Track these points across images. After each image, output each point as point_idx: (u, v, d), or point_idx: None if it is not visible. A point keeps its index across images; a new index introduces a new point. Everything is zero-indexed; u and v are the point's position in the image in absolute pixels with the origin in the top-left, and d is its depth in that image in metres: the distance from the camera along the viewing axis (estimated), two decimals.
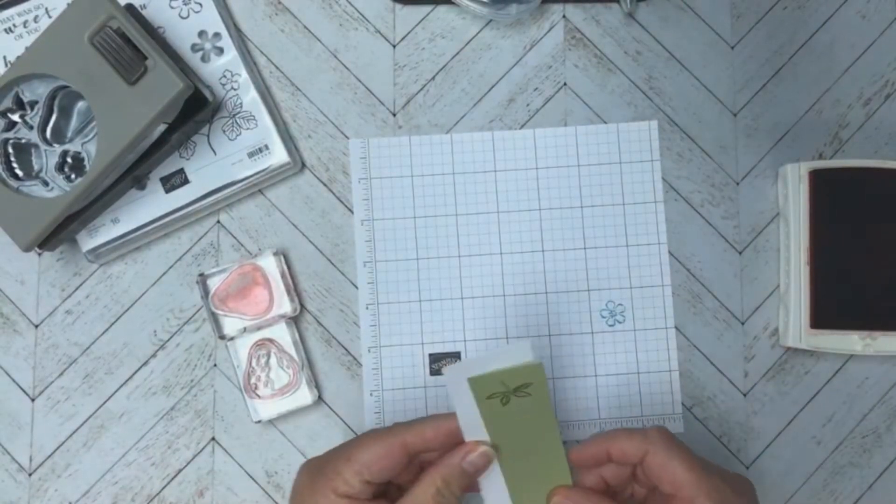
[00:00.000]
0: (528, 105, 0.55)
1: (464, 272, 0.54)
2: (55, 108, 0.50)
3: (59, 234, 0.50)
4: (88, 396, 0.53)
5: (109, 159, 0.48)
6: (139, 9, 0.52)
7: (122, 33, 0.47)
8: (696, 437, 0.53)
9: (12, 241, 0.49)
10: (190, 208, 0.53)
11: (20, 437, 0.53)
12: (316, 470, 0.42)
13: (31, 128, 0.49)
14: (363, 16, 0.56)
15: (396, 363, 0.53)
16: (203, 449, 0.53)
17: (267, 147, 0.53)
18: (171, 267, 0.54)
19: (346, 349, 0.54)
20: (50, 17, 0.53)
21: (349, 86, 0.55)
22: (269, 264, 0.52)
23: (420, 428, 0.42)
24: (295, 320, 0.53)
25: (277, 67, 0.55)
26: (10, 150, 0.50)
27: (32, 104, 0.49)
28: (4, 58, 0.53)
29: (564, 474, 0.43)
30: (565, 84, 0.56)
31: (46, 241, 0.50)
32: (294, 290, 0.53)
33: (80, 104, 0.50)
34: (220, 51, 0.53)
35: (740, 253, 0.55)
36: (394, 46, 0.56)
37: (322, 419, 0.53)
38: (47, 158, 0.50)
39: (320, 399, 0.53)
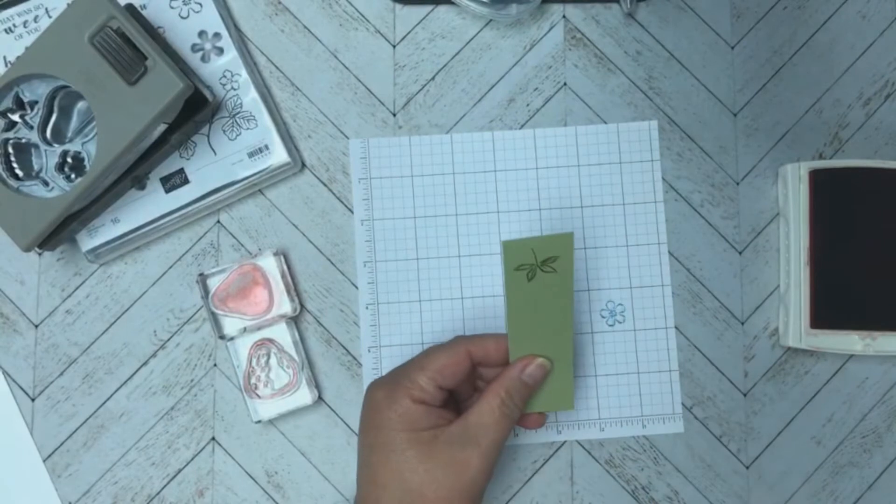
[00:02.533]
0: (528, 105, 0.55)
1: (464, 272, 0.54)
2: (55, 108, 0.50)
3: (59, 234, 0.50)
4: (88, 396, 0.53)
5: (109, 159, 0.48)
6: (139, 9, 0.52)
7: (122, 33, 0.47)
8: (696, 437, 0.53)
9: (12, 241, 0.49)
10: (190, 208, 0.53)
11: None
12: (390, 383, 0.45)
13: (31, 128, 0.49)
14: (363, 16, 0.56)
15: (396, 363, 0.53)
16: (203, 449, 0.53)
17: (267, 147, 0.53)
18: (171, 267, 0.54)
19: (346, 349, 0.54)
20: (50, 17, 0.53)
21: (349, 86, 0.55)
22: (269, 264, 0.52)
23: (482, 341, 0.45)
24: (295, 320, 0.53)
25: (277, 67, 0.55)
26: (10, 150, 0.50)
27: (32, 104, 0.49)
28: (4, 58, 0.53)
29: (567, 347, 0.45)
30: (565, 84, 0.56)
31: (46, 241, 0.50)
32: (294, 290, 0.53)
33: (80, 104, 0.50)
34: (220, 51, 0.53)
35: (740, 253, 0.55)
36: (394, 46, 0.56)
37: (322, 419, 0.53)
38: (47, 158, 0.50)
39: (320, 399, 0.53)
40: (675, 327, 0.54)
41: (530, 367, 0.45)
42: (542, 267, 0.43)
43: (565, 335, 0.45)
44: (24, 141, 0.50)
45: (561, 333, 0.45)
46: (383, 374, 0.53)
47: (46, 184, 0.50)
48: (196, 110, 0.51)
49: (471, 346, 0.45)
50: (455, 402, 0.48)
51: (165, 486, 0.53)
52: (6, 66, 0.53)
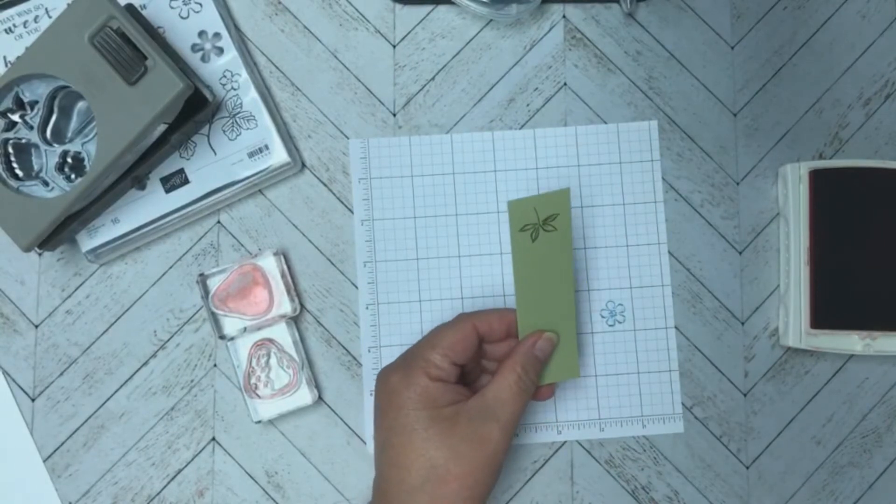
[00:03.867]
0: (528, 105, 0.55)
1: (464, 272, 0.54)
2: (55, 108, 0.50)
3: (59, 234, 0.50)
4: (88, 396, 0.53)
5: (109, 159, 0.48)
6: (139, 9, 0.52)
7: (122, 33, 0.47)
8: (696, 437, 0.53)
9: (12, 241, 0.49)
10: (190, 208, 0.53)
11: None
12: (403, 366, 0.45)
13: (31, 128, 0.49)
14: (363, 16, 0.56)
15: None
16: (203, 449, 0.53)
17: (267, 147, 0.53)
18: (171, 267, 0.54)
19: (346, 349, 0.54)
20: (50, 17, 0.53)
21: (349, 86, 0.55)
22: (269, 264, 0.52)
23: (486, 315, 0.47)
24: (295, 320, 0.53)
25: (277, 67, 0.55)
26: (10, 150, 0.50)
27: (32, 104, 0.49)
28: (4, 58, 0.53)
29: (570, 314, 0.47)
30: (565, 84, 0.56)
31: (46, 241, 0.50)
32: (294, 290, 0.53)
33: (80, 104, 0.50)
34: (220, 51, 0.53)
35: (740, 253, 0.55)
36: (394, 46, 0.56)
37: (322, 419, 0.53)
38: (47, 158, 0.49)
39: (320, 399, 0.53)
40: (675, 327, 0.54)
41: (540, 342, 0.46)
42: (543, 226, 0.45)
43: (568, 302, 0.47)
44: (24, 141, 0.50)
45: (564, 300, 0.47)
46: None
47: (46, 184, 0.49)
48: (196, 110, 0.51)
49: (476, 321, 0.46)
50: (465, 382, 0.48)
51: (165, 486, 0.53)
52: (6, 66, 0.53)
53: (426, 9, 0.56)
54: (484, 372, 0.49)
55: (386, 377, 0.45)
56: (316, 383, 0.53)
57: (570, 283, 0.46)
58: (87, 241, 0.53)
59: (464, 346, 0.45)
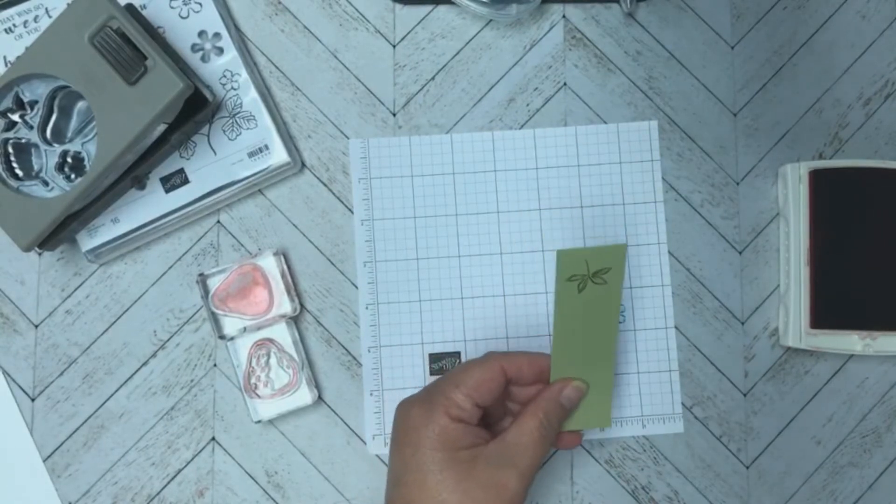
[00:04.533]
0: (528, 105, 0.55)
1: (464, 272, 0.54)
2: (55, 108, 0.50)
3: (59, 234, 0.50)
4: (88, 396, 0.53)
5: (109, 159, 0.48)
6: (139, 9, 0.52)
7: (122, 33, 0.47)
8: (696, 437, 0.53)
9: (12, 241, 0.49)
10: (190, 208, 0.53)
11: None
12: (425, 401, 0.44)
13: (31, 128, 0.49)
14: (363, 16, 0.56)
15: (396, 363, 0.53)
16: (203, 449, 0.53)
17: (267, 147, 0.53)
18: (171, 267, 0.54)
19: (346, 349, 0.54)
20: (50, 17, 0.53)
21: (349, 86, 0.55)
22: (269, 264, 0.52)
23: (516, 358, 0.45)
24: (295, 320, 0.53)
25: (277, 67, 0.55)
26: (10, 150, 0.50)
27: (32, 104, 0.49)
28: (4, 58, 0.53)
29: (608, 366, 0.45)
30: (565, 84, 0.56)
31: (46, 241, 0.50)
32: (294, 290, 0.53)
33: (80, 104, 0.50)
34: (220, 51, 0.53)
35: (740, 253, 0.55)
36: (394, 46, 0.56)
37: (322, 419, 0.53)
38: (47, 158, 0.50)
39: (320, 399, 0.53)
40: (675, 327, 0.54)
41: (567, 390, 0.45)
42: (593, 278, 0.43)
43: (608, 352, 0.45)
44: (24, 141, 0.50)
45: (604, 350, 0.45)
46: (383, 373, 0.53)
47: (46, 184, 0.50)
48: (196, 110, 0.51)
49: (504, 363, 0.44)
50: (487, 423, 0.47)
51: (165, 486, 0.53)
52: (6, 66, 0.53)
53: (426, 9, 0.56)
54: (507, 414, 0.47)
55: (407, 410, 0.44)
56: (316, 383, 0.53)
57: (612, 336, 0.45)
58: (87, 241, 0.53)
59: (489, 388, 0.43)
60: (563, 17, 0.56)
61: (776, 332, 0.54)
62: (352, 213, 0.54)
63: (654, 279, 0.54)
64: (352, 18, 0.56)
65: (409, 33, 0.56)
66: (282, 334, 0.52)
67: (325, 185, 0.55)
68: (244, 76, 0.53)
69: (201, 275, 0.52)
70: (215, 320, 0.52)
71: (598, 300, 0.43)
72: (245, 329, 0.52)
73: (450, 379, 0.44)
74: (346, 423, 0.53)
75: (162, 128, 0.50)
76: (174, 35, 0.53)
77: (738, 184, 0.55)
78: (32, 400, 0.53)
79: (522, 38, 0.56)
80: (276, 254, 0.52)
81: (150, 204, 0.53)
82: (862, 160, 0.53)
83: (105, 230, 0.53)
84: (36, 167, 0.50)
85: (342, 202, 0.55)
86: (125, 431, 0.53)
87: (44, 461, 0.53)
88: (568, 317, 0.44)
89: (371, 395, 0.53)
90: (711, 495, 0.53)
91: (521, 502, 0.42)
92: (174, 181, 0.53)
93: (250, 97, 0.53)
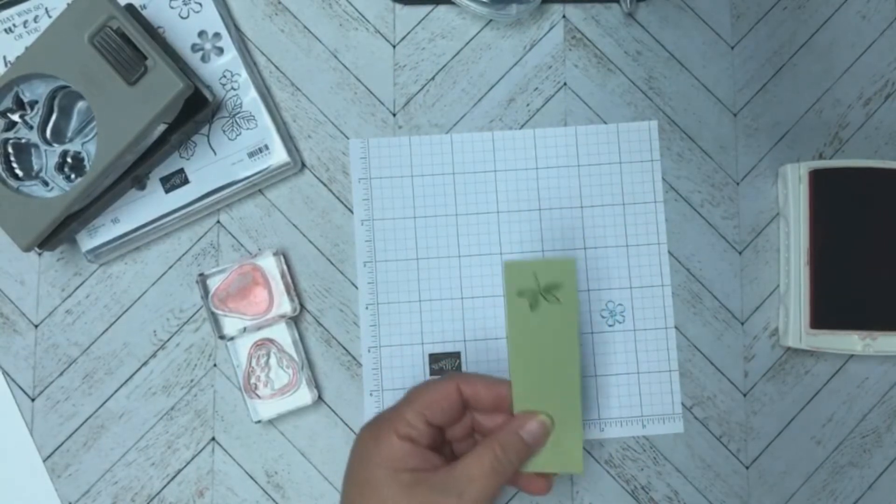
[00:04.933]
0: (528, 105, 0.55)
1: (464, 272, 0.54)
2: (55, 108, 0.50)
3: (59, 234, 0.50)
4: (88, 396, 0.53)
5: (109, 159, 0.48)
6: (139, 9, 0.52)
7: (122, 33, 0.47)
8: (696, 437, 0.53)
9: (12, 241, 0.49)
10: (190, 208, 0.53)
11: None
12: (377, 421, 0.43)
13: (31, 128, 0.49)
14: (363, 16, 0.56)
15: (396, 363, 0.53)
16: (203, 449, 0.53)
17: (267, 147, 0.53)
18: (171, 267, 0.54)
19: (346, 349, 0.54)
20: (50, 17, 0.53)
21: (349, 86, 0.55)
22: (269, 264, 0.52)
23: (474, 380, 0.43)
24: (295, 320, 0.53)
25: (277, 67, 0.55)
26: (10, 150, 0.50)
27: (32, 104, 0.49)
28: (4, 58, 0.53)
29: (574, 400, 0.42)
30: (565, 84, 0.56)
31: (46, 241, 0.50)
32: (294, 290, 0.53)
33: (80, 104, 0.50)
34: (220, 51, 0.53)
35: (740, 253, 0.55)
36: (394, 46, 0.56)
37: (322, 419, 0.53)
38: (47, 158, 0.50)
39: (320, 399, 0.53)
40: (675, 327, 0.54)
41: (530, 424, 0.42)
42: (545, 295, 0.41)
43: (573, 385, 0.42)
44: (24, 141, 0.50)
45: (568, 383, 0.42)
46: (382, 373, 0.53)
47: (46, 184, 0.50)
48: (196, 110, 0.51)
49: (462, 383, 0.43)
50: (452, 452, 0.46)
51: (165, 486, 0.53)
52: (6, 66, 0.53)
53: (426, 9, 0.56)
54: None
55: (361, 433, 0.43)
56: (316, 383, 0.53)
57: (575, 365, 0.42)
58: (87, 241, 0.53)
59: (441, 406, 0.42)
60: (563, 17, 0.56)
61: (776, 332, 0.54)
62: (352, 213, 0.54)
63: (654, 279, 0.54)
64: (352, 18, 0.56)
65: (409, 33, 0.56)
66: (282, 334, 0.52)
67: (324, 185, 0.55)
68: (244, 76, 0.53)
69: (201, 275, 0.52)
70: (215, 320, 0.52)
71: (554, 322, 0.42)
72: (245, 329, 0.52)
73: (404, 397, 0.43)
74: (346, 423, 0.53)
75: (162, 128, 0.50)
76: (174, 35, 0.53)
77: (738, 184, 0.55)
78: (32, 400, 0.53)
79: (522, 38, 0.56)
80: (276, 254, 0.52)
81: (150, 204, 0.53)
82: (862, 160, 0.53)
83: (105, 230, 0.53)
84: (36, 167, 0.50)
85: (342, 202, 0.55)
86: (125, 431, 0.53)
87: (44, 461, 0.53)
88: (523, 339, 0.42)
89: (371, 395, 0.53)
90: (711, 495, 0.53)
91: None
92: (174, 181, 0.53)
93: (250, 97, 0.53)
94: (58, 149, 0.49)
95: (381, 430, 0.42)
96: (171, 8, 0.53)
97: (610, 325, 0.53)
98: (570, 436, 0.43)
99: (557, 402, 0.42)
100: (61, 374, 0.53)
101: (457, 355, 0.53)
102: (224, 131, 0.53)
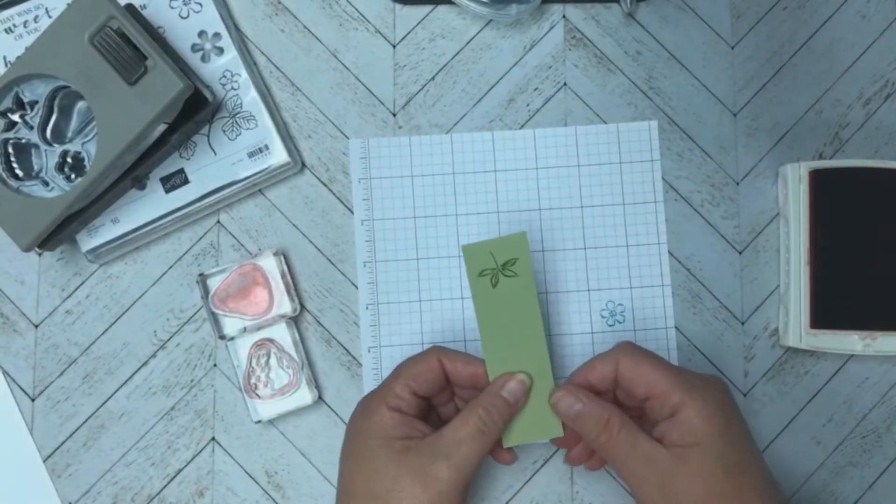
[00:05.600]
0: (528, 105, 0.55)
1: (463, 272, 0.54)
2: (55, 108, 0.50)
3: (59, 234, 0.50)
4: (88, 396, 0.53)
5: (109, 159, 0.48)
6: (139, 9, 0.52)
7: (122, 33, 0.47)
8: None
9: (12, 241, 0.49)
10: (190, 208, 0.53)
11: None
12: (369, 397, 0.45)
13: (31, 128, 0.49)
14: (363, 16, 0.56)
15: (396, 363, 0.53)
16: (203, 449, 0.53)
17: (267, 147, 0.53)
18: (171, 267, 0.54)
19: (346, 349, 0.54)
20: (50, 17, 0.53)
21: (349, 86, 0.55)
22: (269, 264, 0.52)
23: (454, 356, 0.45)
24: (295, 320, 0.53)
25: (277, 67, 0.55)
26: (10, 150, 0.50)
27: (32, 104, 0.49)
28: (4, 58, 0.53)
29: (543, 366, 0.45)
30: (565, 84, 0.56)
31: (46, 241, 0.50)
32: (294, 290, 0.53)
33: (80, 104, 0.50)
34: (220, 51, 0.53)
35: (740, 253, 0.55)
36: (394, 46, 0.56)
37: (322, 419, 0.53)
38: (47, 158, 0.50)
39: (320, 399, 0.53)
40: (675, 327, 0.54)
41: (510, 383, 0.44)
42: (503, 271, 0.44)
43: (540, 351, 0.45)
44: (24, 141, 0.50)
45: (535, 349, 0.45)
46: (383, 374, 0.53)
47: (46, 184, 0.50)
48: (196, 110, 0.51)
49: (443, 356, 0.45)
50: (438, 418, 0.48)
51: (165, 486, 0.53)
52: (6, 66, 0.53)
53: (426, 9, 0.56)
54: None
55: (354, 409, 0.46)
56: (316, 383, 0.53)
57: (539, 333, 0.44)
58: (87, 241, 0.53)
59: (426, 378, 0.44)
60: (563, 17, 0.56)
61: (776, 332, 0.54)
62: (352, 213, 0.54)
63: (654, 279, 0.54)
64: (352, 18, 0.56)
65: (409, 33, 0.56)
66: (282, 334, 0.52)
67: (325, 185, 0.55)
68: (244, 76, 0.53)
69: (201, 275, 0.52)
70: (215, 320, 0.52)
71: (515, 295, 0.44)
72: (245, 329, 0.52)
73: (391, 373, 0.46)
74: (345, 423, 0.53)
75: (162, 128, 0.50)
76: (174, 35, 0.53)
77: (738, 184, 0.55)
78: (32, 400, 0.53)
79: (522, 38, 0.56)
80: (276, 254, 0.52)
81: (150, 204, 0.53)
82: (862, 160, 0.53)
83: (105, 230, 0.53)
84: (36, 167, 0.50)
85: (342, 202, 0.55)
86: (125, 431, 0.53)
87: (44, 461, 0.53)
88: (489, 315, 0.45)
89: None
90: None
91: (457, 496, 0.41)
92: (174, 181, 0.53)
93: (250, 97, 0.53)
94: (58, 149, 0.50)
95: (372, 403, 0.44)
96: (171, 8, 0.53)
97: (610, 325, 0.54)
98: (544, 402, 0.45)
99: (530, 368, 0.45)
100: (61, 374, 0.53)
101: None
102: (224, 131, 0.53)
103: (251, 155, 0.53)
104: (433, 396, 0.46)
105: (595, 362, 0.44)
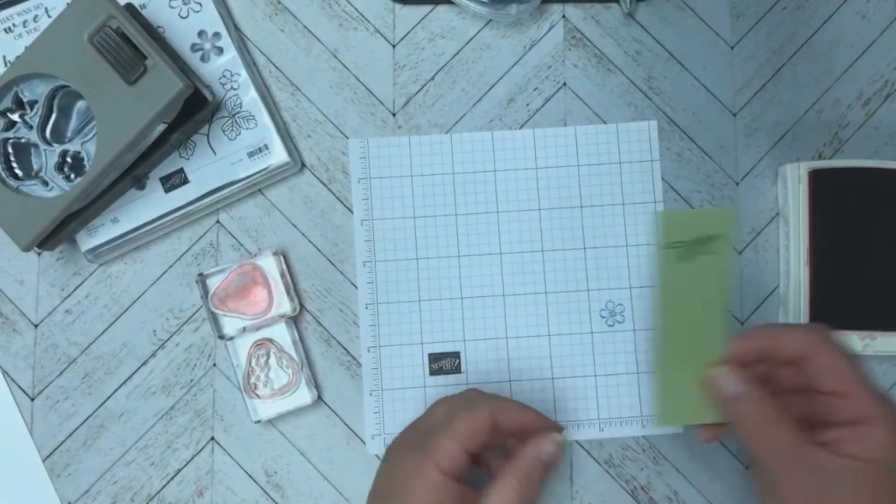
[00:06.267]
0: (527, 105, 0.55)
1: (464, 272, 0.54)
2: (55, 108, 0.50)
3: (58, 233, 0.50)
4: (88, 396, 0.53)
5: (109, 159, 0.48)
6: (139, 9, 0.52)
7: (121, 33, 0.47)
8: (695, 437, 0.53)
9: (12, 241, 0.49)
10: (189, 208, 0.53)
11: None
12: (417, 448, 0.43)
13: (30, 127, 0.49)
14: (363, 16, 0.56)
15: (396, 363, 0.53)
16: (202, 449, 0.53)
17: (266, 147, 0.53)
18: (170, 267, 0.54)
19: (346, 349, 0.54)
20: (50, 16, 0.53)
21: (349, 86, 0.55)
22: (269, 264, 0.52)
23: (507, 409, 0.44)
24: (294, 320, 0.53)
25: (277, 67, 0.55)
26: (10, 150, 0.50)
27: (32, 104, 0.49)
28: (4, 58, 0.53)
29: (720, 352, 0.42)
30: (565, 84, 0.56)
31: (46, 241, 0.50)
32: (294, 290, 0.53)
33: (80, 104, 0.50)
34: (220, 51, 0.53)
35: (740, 253, 0.55)
36: (394, 46, 0.56)
37: (322, 419, 0.53)
38: (47, 158, 0.50)
39: (320, 399, 0.53)
40: None
41: (545, 444, 0.44)
42: (696, 248, 0.41)
43: (718, 338, 0.42)
44: (23, 141, 0.50)
45: (714, 335, 0.42)
46: (382, 373, 0.53)
47: (46, 184, 0.50)
48: (196, 110, 0.51)
49: (495, 411, 0.44)
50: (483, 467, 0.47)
51: (165, 485, 0.53)
52: (6, 65, 0.53)
53: (426, 9, 0.56)
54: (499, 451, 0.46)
55: (399, 456, 0.44)
56: (315, 383, 0.53)
57: (723, 320, 0.42)
58: (87, 241, 0.53)
59: (479, 436, 0.43)
60: (563, 17, 0.56)
61: None
62: (351, 212, 0.54)
63: (654, 279, 0.54)
64: (352, 18, 0.56)
65: (408, 33, 0.56)
66: (281, 334, 0.52)
67: (324, 184, 0.55)
68: (244, 76, 0.53)
69: (201, 275, 0.52)
70: (215, 320, 0.52)
71: (705, 275, 0.41)
72: (245, 329, 0.52)
73: (440, 423, 0.44)
74: (345, 423, 0.53)
75: (161, 128, 0.50)
76: (174, 35, 0.53)
77: (737, 184, 0.55)
78: (32, 400, 0.53)
79: (522, 38, 0.56)
80: (275, 254, 0.52)
81: (149, 204, 0.53)
82: (862, 160, 0.53)
83: (105, 230, 0.53)
84: (35, 167, 0.50)
85: (342, 202, 0.55)
86: (125, 431, 0.53)
87: (43, 461, 0.53)
88: (672, 292, 0.41)
89: (371, 394, 0.53)
90: (711, 495, 0.53)
91: None
92: (174, 181, 0.53)
93: (250, 97, 0.53)
94: (57, 148, 0.50)
95: (425, 463, 0.42)
96: (171, 8, 0.53)
97: (610, 325, 0.53)
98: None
99: (701, 357, 0.42)
100: (61, 373, 0.53)
101: (456, 355, 0.53)
102: (224, 131, 0.53)
103: (251, 155, 0.53)
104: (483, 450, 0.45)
105: (781, 335, 0.42)
